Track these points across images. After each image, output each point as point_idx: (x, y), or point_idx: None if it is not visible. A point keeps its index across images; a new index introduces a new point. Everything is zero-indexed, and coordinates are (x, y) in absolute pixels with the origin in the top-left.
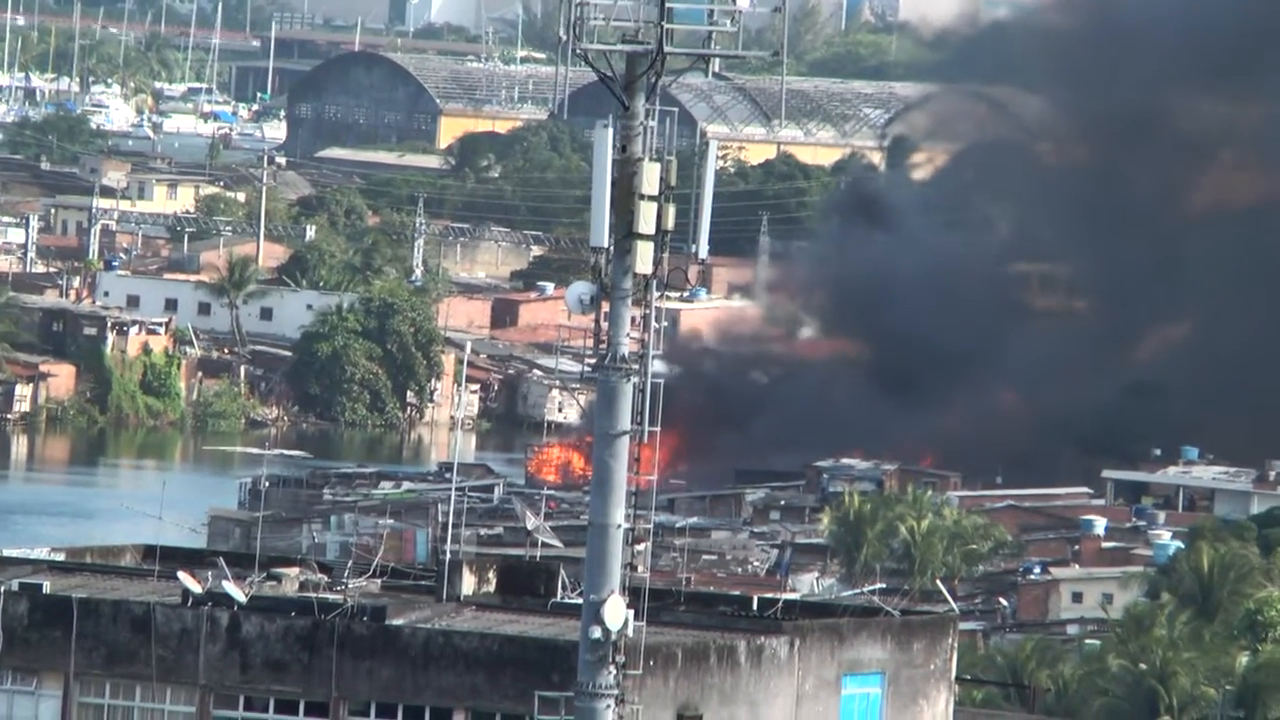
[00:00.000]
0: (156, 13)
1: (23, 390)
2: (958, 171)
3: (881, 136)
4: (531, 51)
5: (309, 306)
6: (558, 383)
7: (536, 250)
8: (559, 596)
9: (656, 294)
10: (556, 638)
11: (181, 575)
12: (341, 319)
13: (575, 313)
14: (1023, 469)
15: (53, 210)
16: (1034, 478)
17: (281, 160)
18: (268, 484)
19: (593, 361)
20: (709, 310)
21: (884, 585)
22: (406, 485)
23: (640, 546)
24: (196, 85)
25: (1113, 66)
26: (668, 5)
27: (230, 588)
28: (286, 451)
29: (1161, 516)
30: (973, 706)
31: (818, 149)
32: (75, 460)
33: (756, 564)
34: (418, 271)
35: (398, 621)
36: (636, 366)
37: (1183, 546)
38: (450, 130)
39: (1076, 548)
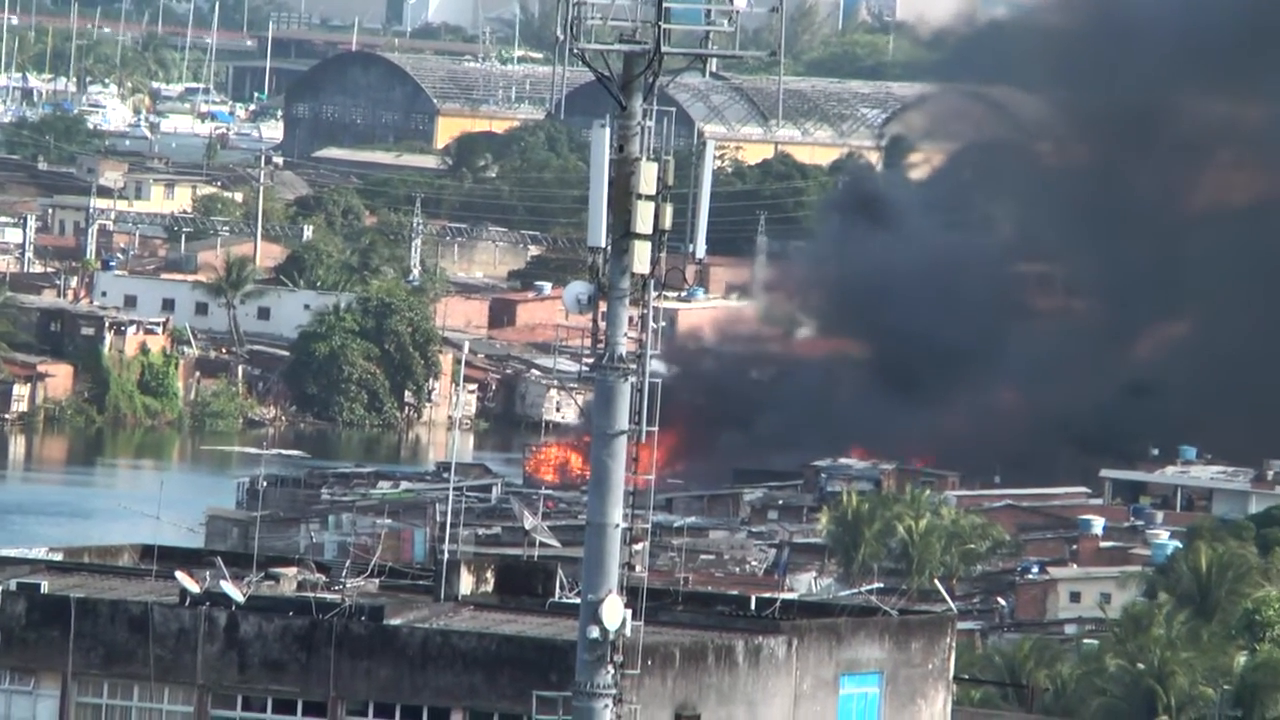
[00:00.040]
0: (153, 13)
1: (20, 390)
2: (955, 171)
3: (879, 136)
4: (529, 51)
5: (306, 306)
6: (555, 382)
7: (534, 250)
8: (557, 596)
9: (654, 294)
10: (554, 637)
11: (179, 575)
12: (339, 319)
13: (573, 312)
14: (1021, 468)
15: (50, 210)
16: (1032, 477)
17: (279, 160)
18: (265, 484)
19: (590, 361)
20: (707, 310)
21: (882, 585)
22: (404, 485)
23: (638, 546)
24: (194, 85)
25: (1112, 66)
26: (665, 5)
27: (228, 587)
28: (284, 451)
29: (1159, 516)
30: (971, 706)
31: (815, 149)
32: (73, 460)
33: (754, 564)
34: (415, 271)
35: (395, 621)
36: (634, 366)
37: (1181, 546)
38: (447, 130)
39: (1074, 547)
